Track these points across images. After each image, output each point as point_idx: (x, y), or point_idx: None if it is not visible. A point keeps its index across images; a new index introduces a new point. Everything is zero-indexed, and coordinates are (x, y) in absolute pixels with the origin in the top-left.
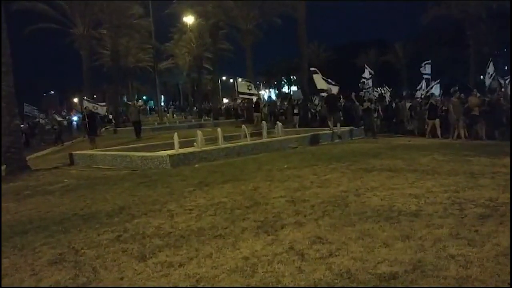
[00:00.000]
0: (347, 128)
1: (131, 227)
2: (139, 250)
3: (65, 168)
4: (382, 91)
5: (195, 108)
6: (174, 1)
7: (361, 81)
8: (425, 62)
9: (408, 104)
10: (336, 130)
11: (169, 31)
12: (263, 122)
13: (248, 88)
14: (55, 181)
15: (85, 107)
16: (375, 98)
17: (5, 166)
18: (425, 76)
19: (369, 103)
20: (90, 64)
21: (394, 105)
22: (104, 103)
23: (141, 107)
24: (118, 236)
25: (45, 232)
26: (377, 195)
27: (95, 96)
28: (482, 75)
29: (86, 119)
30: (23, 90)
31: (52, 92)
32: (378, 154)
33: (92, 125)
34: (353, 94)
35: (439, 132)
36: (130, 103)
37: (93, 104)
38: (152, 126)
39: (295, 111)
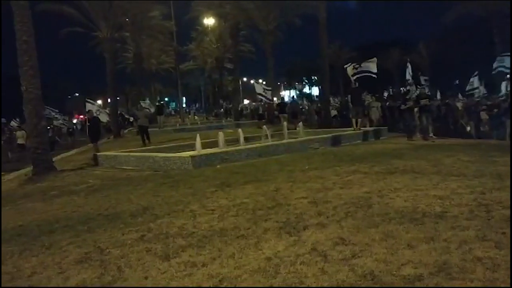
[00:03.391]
0: (370, 128)
1: (154, 227)
2: (163, 250)
3: (90, 169)
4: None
5: (221, 109)
6: (195, 0)
7: (406, 78)
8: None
9: (459, 104)
10: (361, 129)
11: (190, 33)
12: (284, 122)
13: (264, 91)
14: (80, 181)
15: (88, 110)
16: (429, 94)
17: (32, 166)
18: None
19: (411, 102)
20: (113, 66)
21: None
22: (107, 110)
23: (149, 109)
24: (142, 236)
25: (71, 231)
26: (401, 196)
27: (118, 98)
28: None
29: (87, 123)
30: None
31: (77, 94)
32: (401, 154)
33: (94, 130)
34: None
35: None
36: (143, 104)
37: (97, 108)
38: (174, 127)
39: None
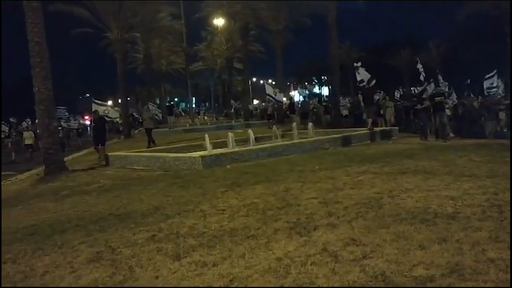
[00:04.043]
0: (381, 128)
1: (165, 227)
2: (174, 250)
3: (101, 169)
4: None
5: (232, 110)
6: (205, 0)
7: (421, 77)
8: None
9: (476, 103)
10: (374, 129)
11: (199, 33)
12: (294, 123)
13: (273, 93)
14: (92, 181)
15: (94, 111)
16: (446, 91)
17: (43, 166)
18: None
19: (427, 102)
20: (124, 67)
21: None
22: (117, 108)
23: (154, 112)
24: (153, 235)
25: (83, 231)
26: (412, 196)
27: (128, 98)
28: None
29: (92, 124)
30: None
31: (88, 94)
32: (412, 155)
33: (99, 132)
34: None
35: None
36: (151, 106)
37: (104, 107)
38: (184, 127)
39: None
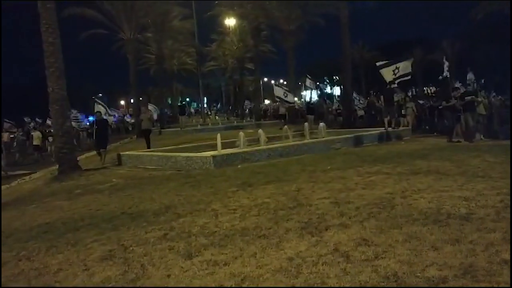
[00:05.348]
0: (390, 129)
1: (177, 226)
2: (185, 248)
3: (114, 168)
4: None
5: (246, 110)
6: (216, 1)
7: (444, 75)
8: None
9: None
10: (391, 129)
11: (211, 33)
12: (305, 123)
13: (284, 95)
14: (104, 180)
15: (96, 112)
16: (474, 91)
17: (57, 165)
18: None
19: (453, 101)
20: (136, 67)
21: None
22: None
23: (152, 114)
24: (164, 234)
25: (96, 229)
26: (425, 197)
27: (140, 98)
28: None
29: (95, 126)
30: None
31: (100, 94)
32: (425, 155)
33: (101, 135)
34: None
35: None
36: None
37: (106, 109)
38: (195, 127)
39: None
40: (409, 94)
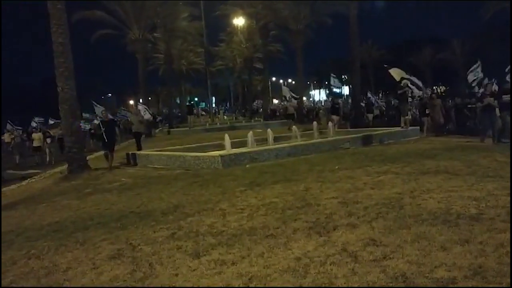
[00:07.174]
0: (398, 128)
1: (185, 225)
2: (193, 248)
3: (122, 168)
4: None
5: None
6: (225, 0)
7: (475, 77)
8: None
9: None
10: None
11: (219, 33)
12: (314, 122)
13: (289, 97)
14: (113, 180)
15: (102, 111)
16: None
17: (66, 165)
18: None
19: (489, 99)
20: (145, 67)
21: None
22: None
23: (144, 114)
24: (173, 233)
25: (105, 228)
26: (434, 197)
27: (149, 98)
28: None
29: (102, 128)
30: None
31: (110, 94)
32: (434, 155)
33: (109, 136)
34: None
35: None
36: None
37: (102, 109)
38: (204, 127)
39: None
40: (437, 90)
